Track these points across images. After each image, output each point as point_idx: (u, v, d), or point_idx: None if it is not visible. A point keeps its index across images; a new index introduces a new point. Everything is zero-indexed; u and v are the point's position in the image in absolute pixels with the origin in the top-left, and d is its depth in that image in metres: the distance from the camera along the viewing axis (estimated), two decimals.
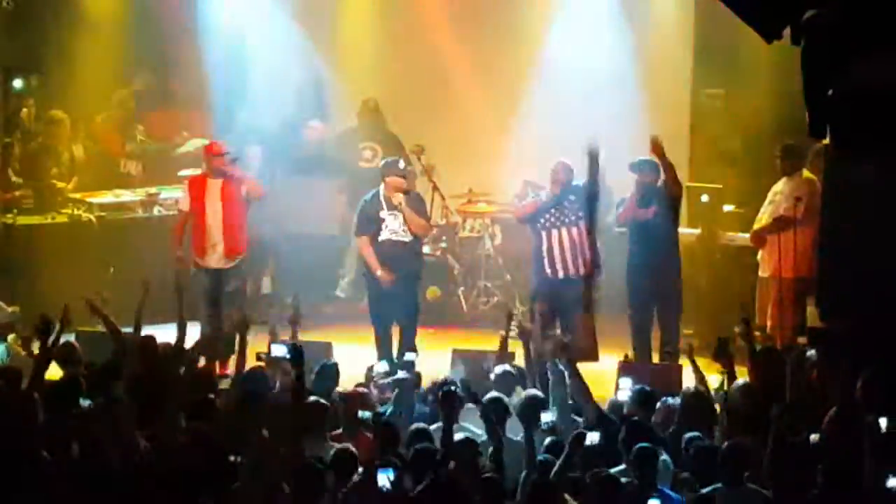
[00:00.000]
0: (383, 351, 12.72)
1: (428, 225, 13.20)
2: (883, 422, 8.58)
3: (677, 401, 9.83)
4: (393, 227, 12.82)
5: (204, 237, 12.81)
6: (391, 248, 12.78)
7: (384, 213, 12.82)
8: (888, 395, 9.15)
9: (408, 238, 12.84)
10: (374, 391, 10.67)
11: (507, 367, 10.52)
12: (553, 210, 12.42)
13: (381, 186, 12.91)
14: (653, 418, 9.59)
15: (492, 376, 10.43)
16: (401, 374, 10.63)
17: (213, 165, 12.93)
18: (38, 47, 15.11)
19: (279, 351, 10.28)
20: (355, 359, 12.22)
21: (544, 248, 12.41)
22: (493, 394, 9.58)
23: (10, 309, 11.94)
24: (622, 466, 8.56)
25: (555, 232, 12.37)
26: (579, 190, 12.41)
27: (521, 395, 9.98)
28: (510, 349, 11.35)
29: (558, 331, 12.29)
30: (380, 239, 12.84)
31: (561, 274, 12.35)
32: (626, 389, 10.40)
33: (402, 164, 13.12)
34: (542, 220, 12.44)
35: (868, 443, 8.35)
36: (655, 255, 12.68)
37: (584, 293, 12.46)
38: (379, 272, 12.78)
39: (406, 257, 12.86)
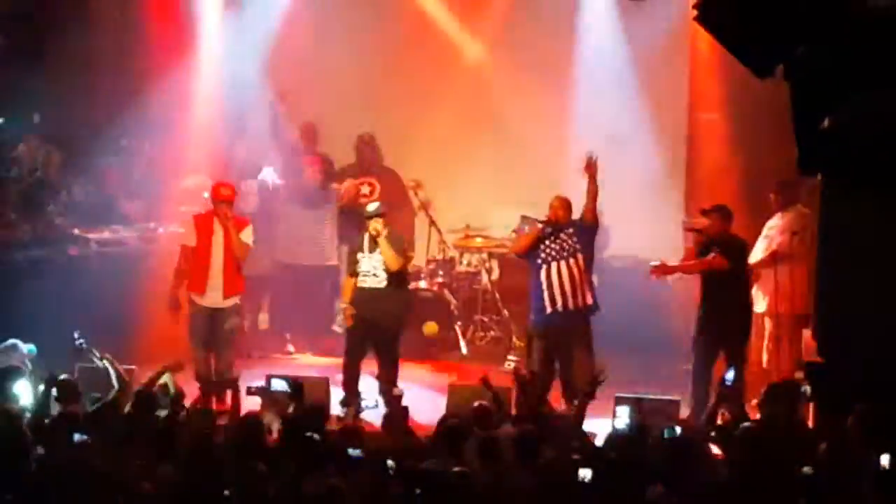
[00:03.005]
0: (349, 388, 12.72)
1: (398, 258, 12.99)
2: (884, 459, 8.59)
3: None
4: (365, 269, 12.81)
5: (205, 276, 12.72)
6: (364, 294, 12.81)
7: (360, 255, 12.86)
8: (882, 431, 9.17)
9: (381, 283, 12.78)
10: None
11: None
12: (551, 244, 12.42)
13: (366, 233, 12.92)
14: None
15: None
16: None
17: (217, 209, 12.86)
18: (37, 84, 15.13)
19: (279, 386, 10.30)
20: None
21: (544, 282, 12.37)
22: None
23: (25, 348, 11.94)
24: None
25: (554, 265, 12.36)
26: (577, 224, 12.44)
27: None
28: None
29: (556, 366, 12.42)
30: (358, 284, 12.87)
31: (560, 308, 12.34)
32: (623, 417, 10.43)
33: (371, 208, 13.00)
34: (542, 255, 12.43)
35: (866, 478, 8.37)
36: (721, 306, 12.41)
37: (584, 328, 12.47)
38: (342, 305, 13.02)
39: (379, 302, 12.78)
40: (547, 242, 12.43)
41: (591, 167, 12.33)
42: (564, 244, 12.39)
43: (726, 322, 12.33)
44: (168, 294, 12.76)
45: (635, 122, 15.54)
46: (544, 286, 12.38)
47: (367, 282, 12.81)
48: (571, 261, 12.37)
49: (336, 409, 12.24)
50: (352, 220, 14.66)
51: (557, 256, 12.37)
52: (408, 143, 16.11)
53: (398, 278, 12.91)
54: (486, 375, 10.84)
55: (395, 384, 12.49)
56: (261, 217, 14.40)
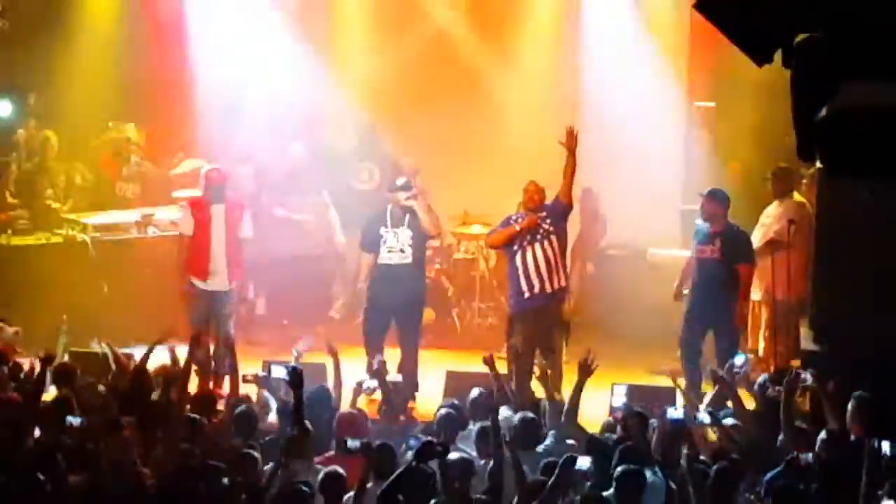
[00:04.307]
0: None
1: (438, 223, 13.09)
2: (885, 445, 8.58)
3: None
4: (391, 245, 12.77)
5: (207, 261, 12.71)
6: (389, 271, 12.74)
7: (383, 230, 12.80)
8: (880, 418, 9.17)
9: (407, 259, 12.80)
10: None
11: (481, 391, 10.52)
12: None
13: (389, 204, 12.93)
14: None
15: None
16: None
17: (209, 193, 12.86)
18: (35, 67, 15.13)
19: (279, 373, 10.26)
20: (349, 379, 12.21)
21: (520, 267, 12.33)
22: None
23: (11, 330, 11.94)
24: (612, 490, 8.57)
25: (529, 249, 12.32)
26: (551, 207, 12.41)
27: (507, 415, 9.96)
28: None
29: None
30: (379, 261, 12.83)
31: (538, 291, 12.31)
32: (620, 395, 10.43)
33: (400, 181, 13.07)
34: (517, 240, 12.41)
35: (865, 465, 8.35)
36: (712, 296, 12.37)
37: (560, 311, 12.50)
38: (360, 284, 12.93)
39: (405, 281, 12.76)
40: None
41: (570, 139, 12.14)
42: (538, 229, 12.36)
43: (712, 301, 12.34)
44: (178, 289, 12.75)
45: (634, 109, 15.52)
46: (520, 271, 12.33)
47: (392, 258, 12.75)
48: (546, 243, 12.30)
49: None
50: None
51: (532, 240, 12.33)
52: (406, 129, 16.11)
53: (422, 256, 12.98)
54: (489, 355, 10.80)
55: (416, 369, 12.55)
56: (258, 205, 14.41)
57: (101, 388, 10.40)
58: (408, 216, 12.75)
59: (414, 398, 12.59)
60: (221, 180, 12.80)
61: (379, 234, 12.77)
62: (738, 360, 10.92)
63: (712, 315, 12.37)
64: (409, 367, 12.71)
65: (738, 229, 12.57)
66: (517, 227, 12.36)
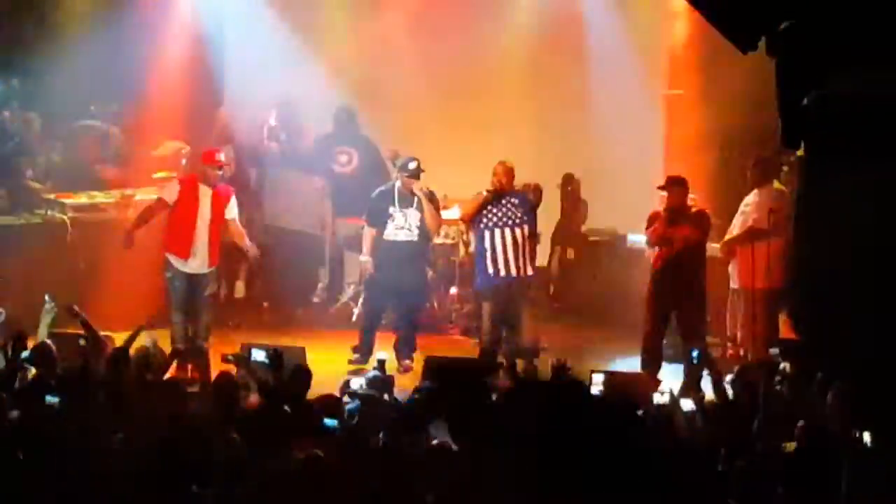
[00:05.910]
0: (362, 349, 12.78)
1: (440, 220, 13.33)
2: (866, 436, 8.60)
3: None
4: (399, 223, 12.93)
5: (190, 242, 12.58)
6: (395, 249, 12.95)
7: (392, 209, 12.92)
8: (860, 407, 9.18)
9: (413, 237, 12.95)
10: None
11: None
12: (495, 210, 12.48)
13: (397, 182, 13.00)
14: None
15: None
16: (372, 372, 10.66)
17: (208, 174, 12.74)
18: (16, 49, 15.07)
19: (259, 356, 10.24)
20: (328, 364, 12.23)
21: (487, 247, 12.48)
22: None
23: None
24: None
25: (497, 231, 12.45)
26: (522, 198, 12.61)
27: None
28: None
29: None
30: (385, 236, 12.95)
31: (503, 273, 12.42)
32: (598, 384, 10.46)
33: (412, 165, 13.13)
34: (485, 220, 12.50)
35: (845, 455, 8.36)
36: (681, 277, 12.46)
37: (525, 292, 12.54)
38: (363, 258, 13.10)
39: (410, 258, 13.00)
40: (489, 208, 12.52)
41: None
42: (508, 213, 12.50)
43: (680, 282, 12.40)
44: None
45: (614, 95, 15.52)
46: (488, 252, 12.49)
47: (399, 235, 12.97)
48: (517, 230, 12.48)
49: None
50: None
51: (500, 223, 12.47)
52: (386, 113, 16.07)
53: (428, 236, 13.21)
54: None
55: (413, 353, 12.66)
56: (245, 184, 14.38)
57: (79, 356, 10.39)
58: (416, 199, 12.93)
59: (411, 358, 12.87)
60: (222, 164, 12.74)
61: (388, 212, 12.97)
62: (694, 352, 10.99)
63: (679, 298, 12.43)
64: (408, 333, 12.97)
65: (699, 209, 12.69)
66: (485, 193, 12.45)
